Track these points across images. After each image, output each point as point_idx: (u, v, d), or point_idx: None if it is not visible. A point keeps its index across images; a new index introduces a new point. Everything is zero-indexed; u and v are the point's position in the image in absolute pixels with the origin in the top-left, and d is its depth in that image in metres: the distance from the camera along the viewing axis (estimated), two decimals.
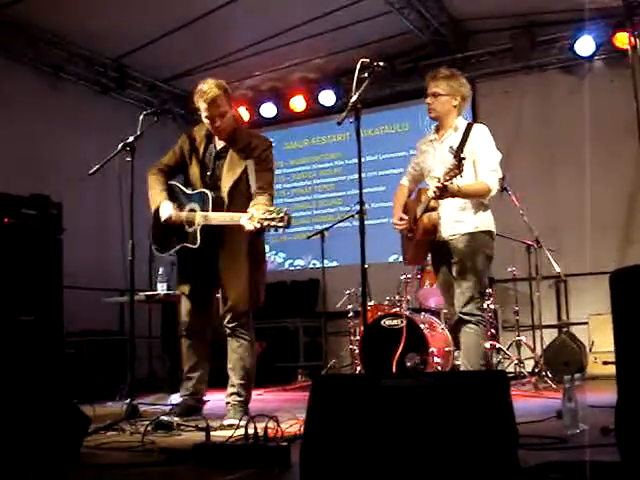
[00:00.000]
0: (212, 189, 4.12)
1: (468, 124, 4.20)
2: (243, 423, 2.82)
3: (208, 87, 4.08)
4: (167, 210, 4.13)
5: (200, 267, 4.20)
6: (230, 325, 4.16)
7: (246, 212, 3.82)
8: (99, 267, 7.59)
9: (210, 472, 2.63)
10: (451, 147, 3.92)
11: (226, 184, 4.13)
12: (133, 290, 4.23)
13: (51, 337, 5.38)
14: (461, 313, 4.04)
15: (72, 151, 7.55)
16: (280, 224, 3.65)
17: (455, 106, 4.19)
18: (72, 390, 5.29)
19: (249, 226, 3.73)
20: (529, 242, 6.39)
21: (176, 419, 3.82)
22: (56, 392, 4.83)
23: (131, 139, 4.17)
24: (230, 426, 3.75)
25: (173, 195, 4.26)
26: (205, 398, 4.40)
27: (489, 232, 4.15)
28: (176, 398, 4.74)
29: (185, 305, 4.28)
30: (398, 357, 5.51)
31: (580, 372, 6.20)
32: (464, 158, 3.74)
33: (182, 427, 3.70)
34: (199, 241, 4.00)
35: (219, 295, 4.27)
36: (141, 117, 4.26)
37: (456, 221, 4.10)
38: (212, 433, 3.09)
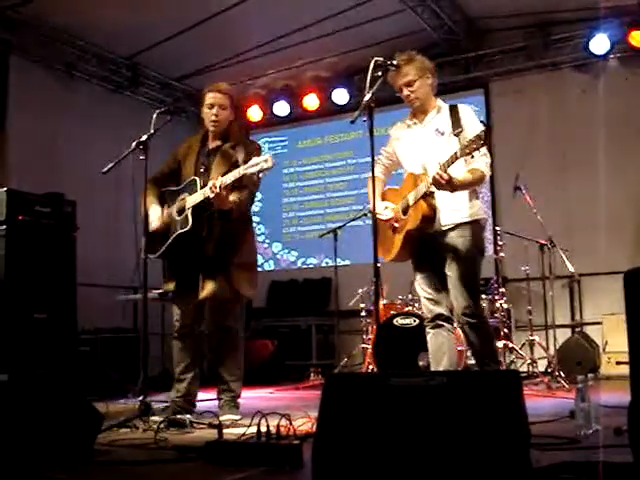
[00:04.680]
0: (205, 184, 4.13)
1: (451, 105, 3.94)
2: (251, 421, 2.83)
3: (220, 83, 4.39)
4: (154, 215, 4.25)
5: (188, 267, 4.23)
6: (221, 322, 4.21)
7: (232, 204, 4.00)
8: (113, 265, 7.62)
9: (222, 470, 2.63)
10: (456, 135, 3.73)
11: (215, 175, 4.13)
12: (146, 288, 4.24)
13: (65, 335, 5.40)
14: (464, 315, 3.79)
15: (85, 149, 7.59)
16: (265, 165, 3.70)
17: (430, 84, 3.96)
18: (85, 387, 5.31)
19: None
20: (543, 242, 6.37)
21: (188, 416, 3.84)
22: (70, 389, 4.86)
23: (144, 138, 4.18)
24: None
25: (164, 199, 4.34)
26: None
27: (482, 221, 3.93)
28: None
29: (176, 306, 4.34)
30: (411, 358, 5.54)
31: (593, 372, 6.18)
32: (490, 127, 3.45)
33: (194, 425, 3.73)
34: (191, 222, 4.05)
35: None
36: (154, 115, 4.26)
37: (452, 209, 3.82)
38: (224, 431, 3.10)
